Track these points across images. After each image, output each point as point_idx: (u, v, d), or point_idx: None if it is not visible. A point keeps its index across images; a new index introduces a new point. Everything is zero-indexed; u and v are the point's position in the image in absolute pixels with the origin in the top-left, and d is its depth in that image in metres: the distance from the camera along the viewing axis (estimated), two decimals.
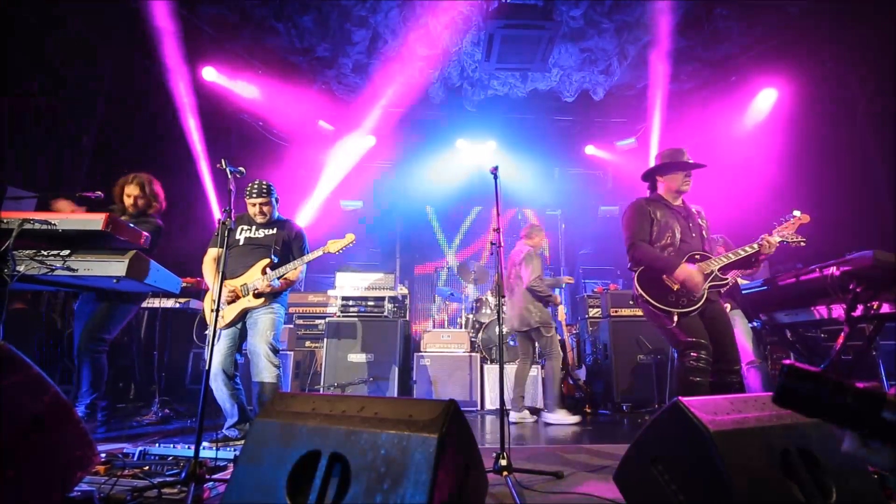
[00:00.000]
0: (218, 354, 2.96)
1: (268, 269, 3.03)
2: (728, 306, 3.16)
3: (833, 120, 5.11)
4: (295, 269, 3.06)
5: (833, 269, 2.88)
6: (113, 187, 3.35)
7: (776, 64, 5.59)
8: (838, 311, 2.96)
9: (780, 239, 2.70)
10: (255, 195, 3.11)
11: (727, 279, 2.65)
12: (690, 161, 2.82)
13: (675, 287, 2.57)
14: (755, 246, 2.67)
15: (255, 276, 3.02)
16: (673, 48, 5.66)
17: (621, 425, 4.01)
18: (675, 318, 2.51)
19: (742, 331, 3.16)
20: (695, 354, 2.43)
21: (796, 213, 2.96)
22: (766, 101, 5.92)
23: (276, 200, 3.25)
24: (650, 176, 2.95)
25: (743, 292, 3.57)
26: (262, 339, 2.96)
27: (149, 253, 2.68)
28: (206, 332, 3.02)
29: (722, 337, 2.53)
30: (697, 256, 2.67)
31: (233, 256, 3.08)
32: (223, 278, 2.24)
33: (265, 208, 3.15)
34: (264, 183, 3.14)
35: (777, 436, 1.32)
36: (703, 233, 2.80)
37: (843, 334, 2.94)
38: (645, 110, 6.98)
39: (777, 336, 3.77)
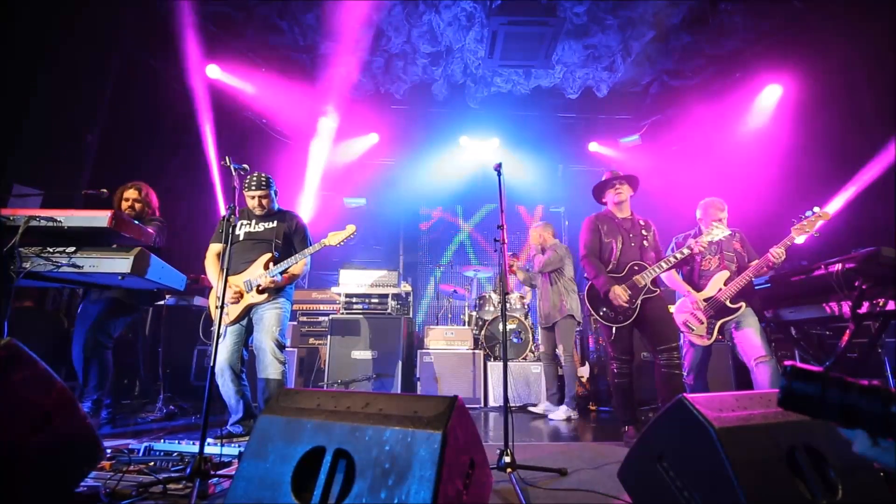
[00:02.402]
0: (224, 351, 2.94)
1: (270, 264, 3.01)
2: (742, 305, 3.16)
3: (840, 115, 5.06)
4: (298, 263, 3.02)
5: (838, 266, 2.86)
6: (113, 193, 3.41)
7: (781, 59, 5.55)
8: (844, 308, 2.95)
9: (706, 238, 3.02)
10: (253, 188, 3.07)
11: (657, 290, 3.03)
12: (616, 175, 3.30)
13: (614, 304, 3.00)
14: (685, 251, 3.02)
15: (258, 272, 3.00)
16: (678, 44, 5.63)
17: None
18: (613, 332, 3.06)
19: (753, 328, 3.13)
20: (617, 365, 3.08)
21: (816, 209, 3.04)
22: (770, 97, 5.87)
23: (276, 193, 3.21)
24: (597, 198, 3.42)
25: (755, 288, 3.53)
26: (268, 336, 2.94)
27: (158, 251, 2.72)
28: (212, 328, 3.03)
29: (652, 325, 2.99)
30: (636, 267, 3.08)
31: (234, 252, 3.04)
32: (227, 275, 2.25)
33: (264, 201, 3.12)
34: (263, 175, 3.10)
35: (783, 433, 1.32)
36: (644, 243, 3.18)
37: (848, 331, 2.92)
38: (648, 107, 6.96)
39: (782, 333, 3.75)
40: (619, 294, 2.94)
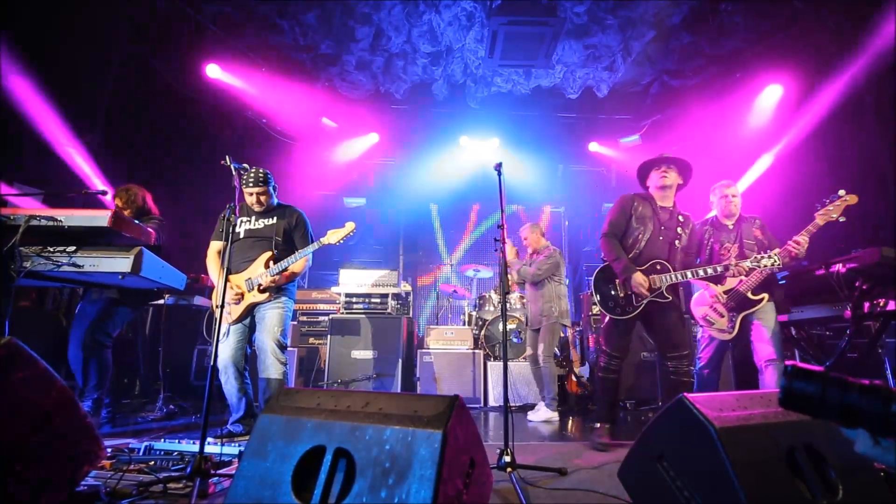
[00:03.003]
0: (227, 349, 2.95)
1: (270, 263, 3.00)
2: (765, 297, 2.98)
3: (840, 115, 5.06)
4: (298, 262, 3.01)
5: (839, 267, 2.85)
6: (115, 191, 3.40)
7: (782, 59, 5.55)
8: (845, 308, 2.94)
9: (751, 264, 2.76)
10: (252, 184, 3.04)
11: (670, 298, 2.82)
12: (664, 156, 3.00)
13: (621, 295, 2.85)
14: (719, 268, 2.80)
15: (259, 271, 2.99)
16: (678, 44, 5.63)
17: (625, 423, 4.00)
18: (606, 319, 2.93)
19: (769, 327, 2.96)
20: (605, 359, 2.91)
21: (841, 192, 2.85)
22: (771, 97, 5.87)
23: (275, 189, 3.19)
24: (641, 180, 3.13)
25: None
26: (270, 336, 2.94)
27: (158, 250, 2.71)
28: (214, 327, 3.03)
29: (667, 330, 2.81)
30: (658, 266, 2.84)
31: (235, 250, 3.03)
32: (227, 274, 2.25)
33: (262, 197, 3.10)
34: (261, 171, 3.08)
35: (783, 432, 1.31)
36: (676, 242, 2.90)
37: (848, 331, 2.92)
38: (649, 107, 6.95)
39: (782, 333, 3.75)
40: (641, 282, 2.72)
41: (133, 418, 3.70)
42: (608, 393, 2.91)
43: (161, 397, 3.89)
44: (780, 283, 3.31)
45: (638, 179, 3.13)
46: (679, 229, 2.92)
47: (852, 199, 2.82)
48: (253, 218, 3.15)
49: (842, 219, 2.81)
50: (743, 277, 3.00)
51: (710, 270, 2.79)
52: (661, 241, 2.87)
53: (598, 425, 2.87)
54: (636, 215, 2.91)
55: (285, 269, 2.98)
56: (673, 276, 2.78)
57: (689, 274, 2.78)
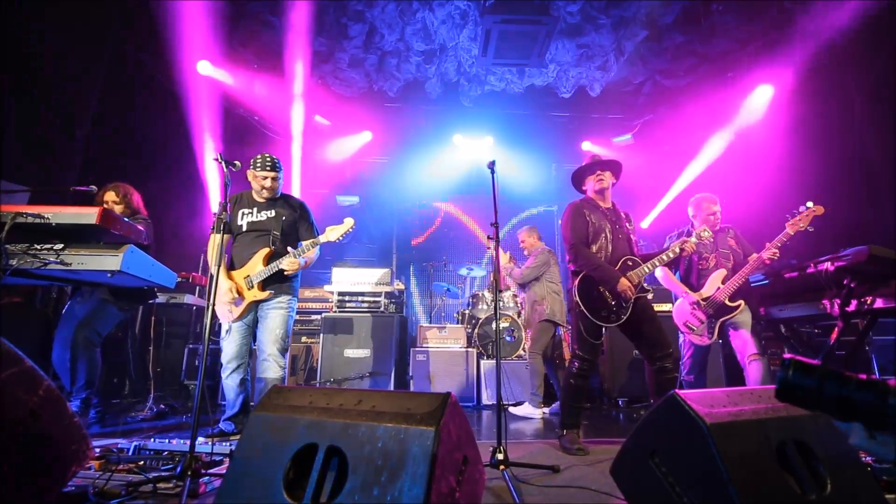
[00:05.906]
0: (233, 345, 2.93)
1: (267, 259, 2.98)
2: (741, 303, 3.15)
3: (830, 114, 5.12)
4: (311, 250, 2.99)
5: (828, 265, 2.89)
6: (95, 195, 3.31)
7: (773, 59, 5.60)
8: (833, 306, 2.98)
9: (696, 241, 2.90)
10: (268, 167, 3.00)
11: (650, 289, 2.88)
12: (596, 161, 3.05)
13: (611, 301, 2.77)
14: (676, 250, 2.85)
15: (257, 268, 2.95)
16: (670, 43, 5.67)
17: (617, 420, 4.03)
18: (580, 324, 2.81)
19: (747, 326, 3.14)
20: (579, 364, 2.81)
21: (809, 204, 3.06)
22: (762, 96, 5.92)
23: (282, 178, 3.16)
24: (576, 185, 3.18)
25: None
26: (271, 337, 2.91)
27: (147, 249, 2.68)
28: (218, 326, 3.00)
29: (650, 330, 2.78)
30: (630, 263, 2.86)
31: (239, 244, 3.02)
32: (220, 275, 2.23)
33: (274, 183, 3.06)
34: (274, 156, 3.04)
35: (774, 428, 1.33)
36: (630, 236, 2.97)
37: (837, 329, 2.96)
38: (641, 106, 6.99)
39: (772, 331, 3.79)
40: (629, 287, 2.69)
41: (123, 418, 3.66)
42: (579, 399, 2.84)
43: (151, 397, 3.85)
44: (760, 284, 3.48)
45: (575, 187, 3.19)
46: (628, 225, 3.01)
47: (819, 210, 3.05)
48: (255, 209, 3.09)
49: (810, 228, 3.03)
50: (720, 285, 3.20)
51: (670, 254, 2.86)
52: (620, 239, 2.92)
53: (565, 432, 2.79)
54: (591, 221, 2.91)
55: (303, 253, 2.95)
56: (644, 268, 2.83)
57: (656, 262, 2.86)
